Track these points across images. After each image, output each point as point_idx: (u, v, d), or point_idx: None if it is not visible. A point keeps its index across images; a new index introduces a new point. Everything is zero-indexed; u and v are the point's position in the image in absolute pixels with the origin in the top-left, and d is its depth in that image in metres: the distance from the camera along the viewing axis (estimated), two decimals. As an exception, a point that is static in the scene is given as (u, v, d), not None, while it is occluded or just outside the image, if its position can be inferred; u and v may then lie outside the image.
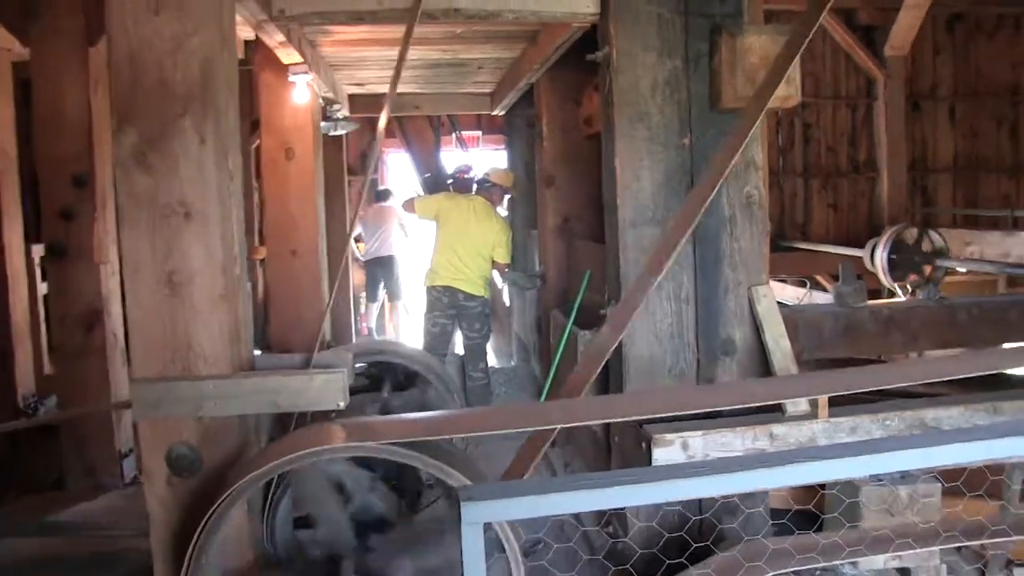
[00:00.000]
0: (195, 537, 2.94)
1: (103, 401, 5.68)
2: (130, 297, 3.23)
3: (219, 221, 3.23)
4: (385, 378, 5.10)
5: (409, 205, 8.15)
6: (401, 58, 3.90)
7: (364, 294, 12.41)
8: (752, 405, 3.56)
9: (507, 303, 10.29)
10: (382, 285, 12.14)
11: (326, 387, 3.25)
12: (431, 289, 7.70)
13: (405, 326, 12.96)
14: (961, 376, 3.52)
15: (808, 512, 3.82)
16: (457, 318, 7.69)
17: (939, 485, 3.79)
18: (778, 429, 3.87)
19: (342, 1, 4.33)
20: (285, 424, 3.93)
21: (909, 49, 11.28)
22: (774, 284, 5.67)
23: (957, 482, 3.20)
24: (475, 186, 8.30)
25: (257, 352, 3.78)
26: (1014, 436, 2.24)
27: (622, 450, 4.35)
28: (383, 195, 12.16)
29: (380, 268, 11.98)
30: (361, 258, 12.08)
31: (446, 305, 7.60)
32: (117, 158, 3.18)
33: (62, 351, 5.79)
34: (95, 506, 5.41)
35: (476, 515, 2.01)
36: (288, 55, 5.64)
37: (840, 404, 3.93)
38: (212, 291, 3.24)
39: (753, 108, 3.96)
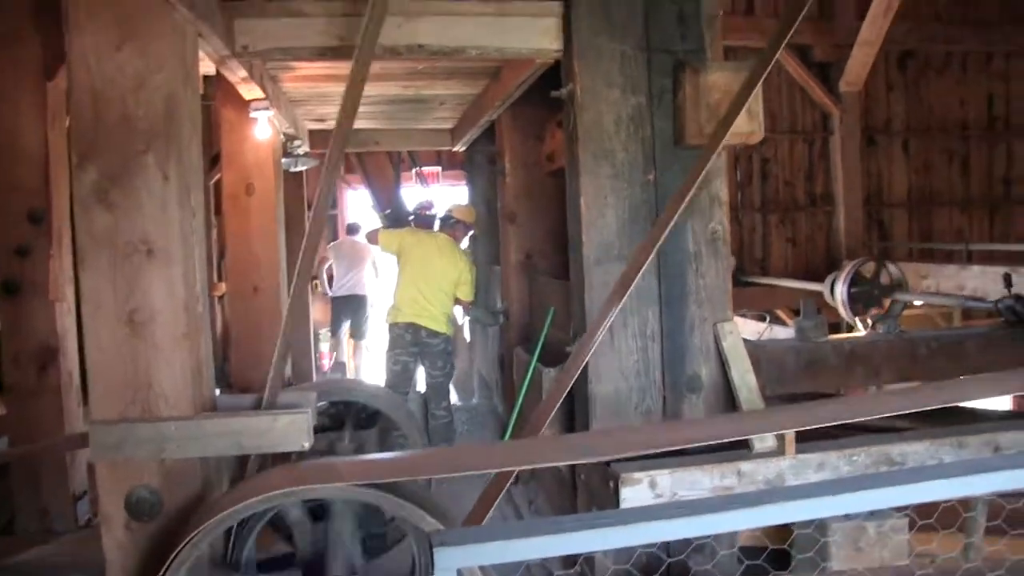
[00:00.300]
0: (157, 583, 2.87)
1: (60, 439, 5.55)
2: (90, 337, 3.18)
3: (182, 259, 3.19)
4: (346, 417, 5.04)
5: (373, 236, 8.09)
6: (356, 90, 3.87)
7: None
8: (720, 442, 3.54)
9: (468, 339, 10.24)
10: (349, 322, 12.07)
11: (290, 428, 3.21)
12: (393, 326, 7.61)
13: (367, 364, 12.87)
14: (934, 407, 3.53)
15: (777, 549, 3.80)
16: (420, 356, 7.62)
17: (907, 520, 3.79)
18: (745, 466, 3.85)
19: (305, 37, 4.31)
20: (245, 465, 3.87)
21: (863, 85, 11.44)
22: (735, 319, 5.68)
23: (931, 519, 3.20)
24: (438, 222, 8.27)
25: (216, 391, 3.73)
26: (986, 473, 2.24)
27: (588, 488, 4.31)
28: (354, 229, 12.11)
29: (348, 306, 11.91)
30: (329, 292, 12.01)
31: (409, 342, 7.53)
32: (77, 195, 3.13)
33: (15, 391, 5.65)
34: (48, 551, 5.28)
35: (449, 560, 1.97)
36: (250, 91, 5.60)
37: (807, 440, 3.93)
38: (174, 330, 3.20)
39: (713, 143, 3.97)
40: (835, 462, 3.92)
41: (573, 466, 4.62)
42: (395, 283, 7.75)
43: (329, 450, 4.73)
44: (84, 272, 3.15)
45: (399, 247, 7.72)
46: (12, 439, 5.74)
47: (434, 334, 7.53)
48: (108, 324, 3.15)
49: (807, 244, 12.03)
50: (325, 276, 12.18)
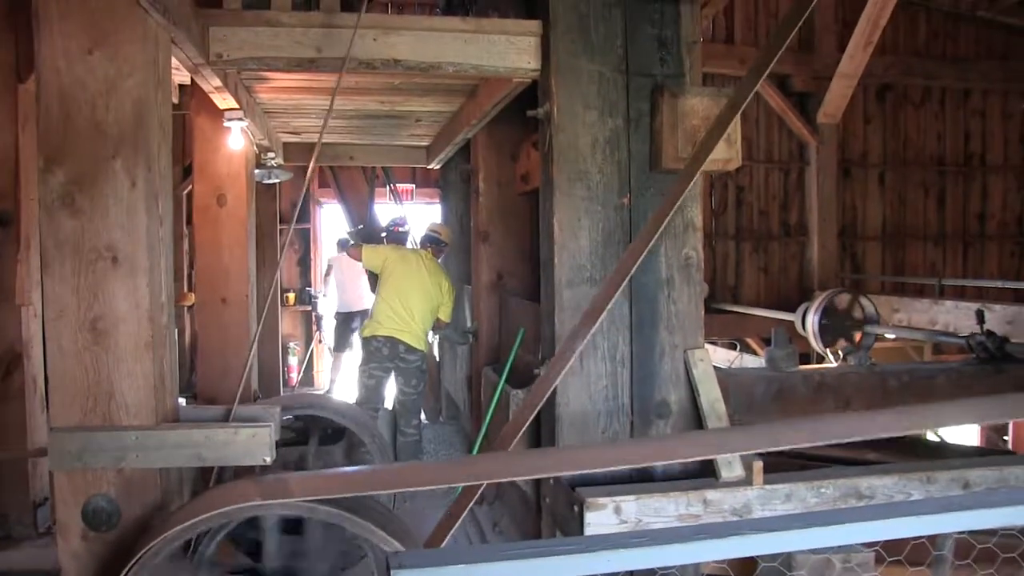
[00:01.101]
0: (110, 595, 2.84)
1: (20, 448, 5.50)
2: (51, 343, 3.14)
3: (147, 268, 3.16)
4: (312, 432, 5.02)
5: (356, 252, 8.04)
6: (331, 103, 3.87)
7: (293, 343, 12.32)
8: (687, 468, 3.54)
9: (436, 358, 10.22)
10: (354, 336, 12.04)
11: (252, 441, 3.18)
12: (371, 339, 7.53)
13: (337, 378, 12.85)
14: (893, 434, 3.53)
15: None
16: (394, 372, 7.57)
17: (874, 554, 3.78)
18: (712, 495, 3.84)
19: (280, 47, 4.30)
20: (207, 477, 3.83)
21: (841, 117, 11.53)
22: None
23: (900, 555, 3.19)
24: (416, 240, 8.26)
25: (183, 401, 3.70)
26: (958, 511, 2.24)
27: (553, 512, 4.29)
28: (344, 244, 12.12)
29: (353, 321, 11.86)
30: (336, 308, 11.99)
31: (385, 357, 7.46)
32: (43, 199, 3.11)
33: (-21, 395, 5.62)
34: (7, 557, 5.23)
35: (407, 581, 1.95)
36: (224, 100, 5.58)
37: (775, 471, 3.92)
38: (137, 339, 3.17)
39: (691, 168, 3.97)
40: (803, 493, 3.91)
41: (538, 489, 4.60)
42: (376, 297, 7.69)
43: (296, 464, 4.71)
44: (48, 277, 3.13)
45: (384, 262, 7.68)
46: (-26, 444, 5.70)
47: (412, 350, 7.48)
48: (70, 331, 3.12)
49: (780, 274, 12.09)
50: (327, 291, 12.13)
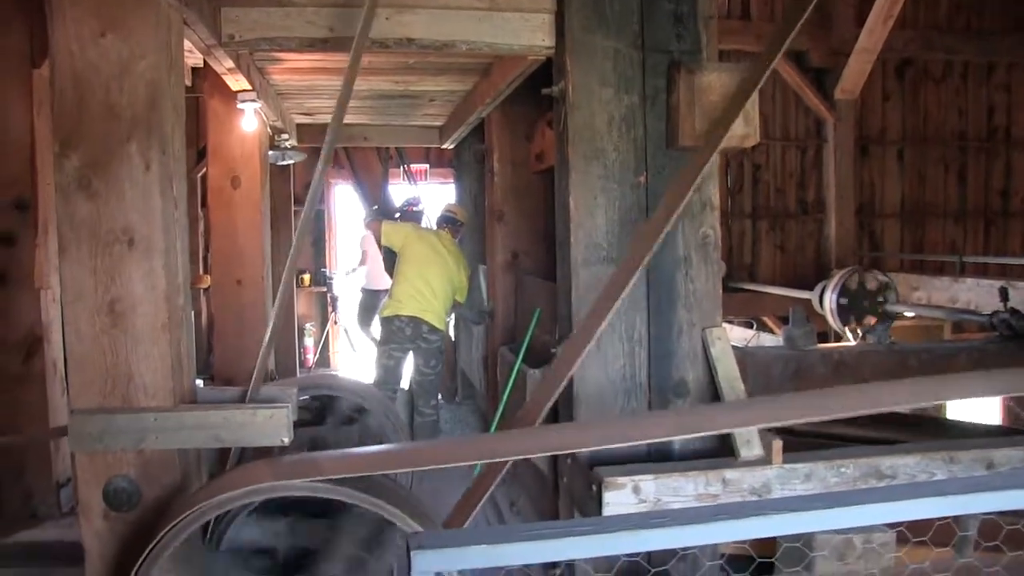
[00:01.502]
0: (133, 574, 2.86)
1: (41, 430, 5.56)
2: (69, 326, 3.17)
3: (163, 249, 3.18)
4: (329, 412, 5.04)
5: (376, 227, 8.05)
6: (347, 84, 3.87)
7: (309, 324, 12.37)
8: (705, 447, 3.53)
9: (452, 338, 10.25)
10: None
11: (270, 422, 3.20)
12: (393, 319, 7.53)
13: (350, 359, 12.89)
14: (908, 406, 3.49)
15: (750, 556, 3.79)
16: (413, 352, 7.57)
17: (895, 535, 3.77)
18: (731, 474, 3.83)
19: (293, 27, 4.29)
20: (227, 459, 3.86)
21: (859, 93, 11.44)
22: (724, 325, 5.68)
23: (925, 536, 3.19)
24: (434, 220, 8.26)
25: (200, 382, 3.71)
26: (985, 491, 2.23)
27: (571, 491, 4.30)
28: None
29: (377, 299, 11.91)
30: (363, 285, 12.03)
31: (407, 337, 7.45)
32: (59, 183, 3.12)
33: (0, 378, 5.66)
34: (31, 535, 5.29)
35: (427, 564, 1.96)
36: (237, 82, 5.59)
37: (794, 450, 3.91)
38: (154, 321, 3.19)
39: (709, 146, 3.96)
40: (823, 473, 3.89)
41: (555, 468, 4.61)
42: (396, 276, 7.68)
43: (313, 445, 4.73)
44: (65, 261, 3.15)
45: (404, 241, 7.68)
46: (-4, 427, 5.75)
47: (434, 330, 7.49)
48: (88, 314, 3.14)
49: (797, 252, 12.04)
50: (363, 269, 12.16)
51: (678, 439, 4.06)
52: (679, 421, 3.49)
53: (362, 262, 12.01)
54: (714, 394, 4.18)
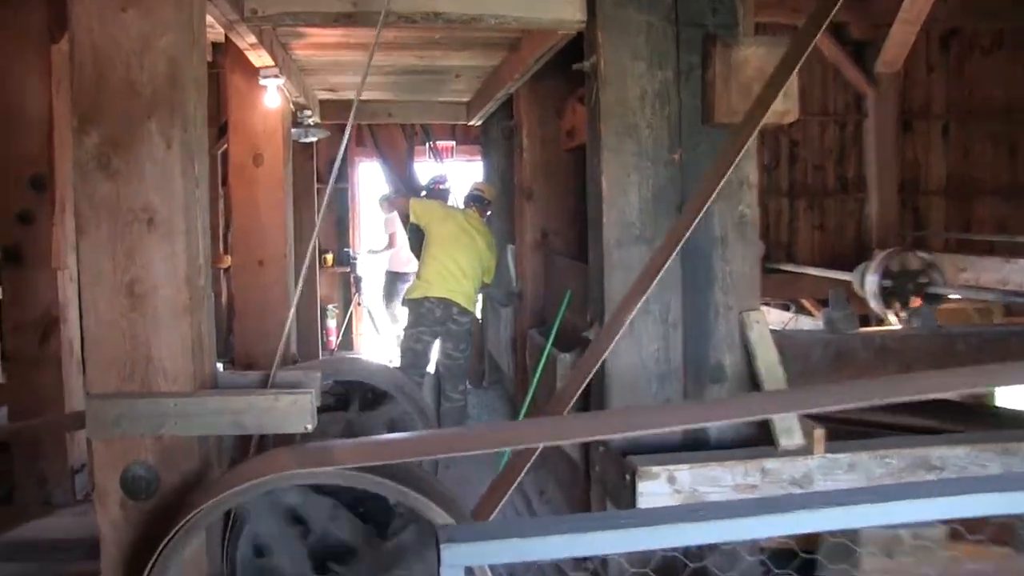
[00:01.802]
0: (150, 565, 2.87)
1: (57, 413, 5.58)
2: (87, 308, 3.16)
3: (184, 229, 3.17)
4: (353, 398, 5.04)
5: (403, 202, 8.04)
6: (370, 57, 3.85)
7: (332, 305, 12.43)
8: (743, 436, 3.50)
9: (479, 320, 10.24)
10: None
11: (293, 408, 3.19)
12: (422, 301, 7.48)
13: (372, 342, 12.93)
14: (957, 391, 3.43)
15: (792, 551, 3.76)
16: (442, 335, 7.56)
17: (947, 530, 3.70)
18: (770, 464, 3.81)
19: (316, 2, 4.28)
20: (247, 446, 3.86)
21: (901, 66, 11.25)
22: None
23: (980, 535, 3.13)
24: (462, 199, 8.23)
25: (220, 366, 3.71)
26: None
27: (603, 480, 4.29)
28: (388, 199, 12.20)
29: (400, 281, 11.94)
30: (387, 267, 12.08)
31: (437, 319, 7.41)
32: (77, 161, 3.12)
33: (16, 359, 5.69)
34: (46, 524, 5.32)
35: (458, 558, 1.95)
36: (259, 57, 5.59)
37: (838, 439, 3.87)
38: (175, 303, 3.18)
39: (748, 123, 3.92)
40: (867, 463, 3.84)
41: (587, 456, 4.60)
42: (424, 257, 7.66)
43: (337, 432, 4.73)
44: (83, 241, 3.14)
45: (432, 218, 7.66)
46: (12, 408, 5.79)
47: (464, 312, 7.45)
48: (106, 295, 3.14)
49: (836, 231, 11.89)
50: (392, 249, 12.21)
51: (715, 426, 4.04)
52: (716, 407, 3.47)
53: (390, 245, 12.02)
54: (751, 379, 4.17)
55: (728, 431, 4.03)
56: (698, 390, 4.20)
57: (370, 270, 12.69)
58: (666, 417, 3.32)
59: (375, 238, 12.79)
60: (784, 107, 4.00)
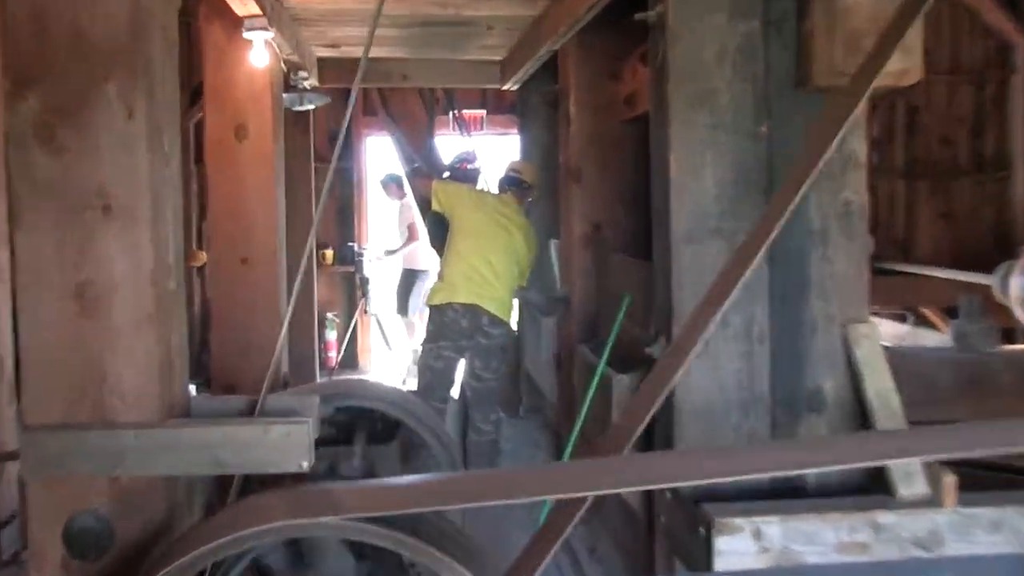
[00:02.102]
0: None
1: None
2: (25, 316, 3.16)
3: (150, 219, 3.16)
4: (359, 429, 5.03)
5: (425, 183, 8.05)
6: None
7: (332, 314, 12.49)
8: (850, 481, 3.45)
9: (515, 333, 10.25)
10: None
11: (286, 442, 3.17)
12: (445, 308, 7.47)
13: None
14: None
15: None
16: (470, 351, 7.52)
17: None
18: (885, 518, 3.73)
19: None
20: (227, 489, 3.85)
21: (1064, 4, 11.09)
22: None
23: None
24: (506, 184, 8.19)
25: (193, 389, 3.71)
26: None
27: (670, 534, 4.26)
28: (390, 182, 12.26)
29: (416, 281, 12.00)
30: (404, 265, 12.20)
31: (463, 331, 7.38)
32: (12, 134, 3.11)
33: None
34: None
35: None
36: (243, 5, 5.60)
37: (975, 488, 3.80)
38: (138, 310, 3.17)
39: (857, 86, 3.86)
40: (1016, 522, 3.77)
41: (649, 504, 4.58)
42: (447, 253, 7.65)
43: (336, 472, 4.73)
44: (21, 233, 3.13)
45: (457, 204, 7.64)
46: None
47: (497, 323, 7.41)
48: (50, 299, 3.13)
49: (969, 221, 11.70)
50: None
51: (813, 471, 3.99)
52: (816, 449, 3.42)
53: (410, 239, 12.07)
54: (859, 409, 4.11)
55: (831, 474, 3.99)
56: (790, 423, 4.15)
57: (380, 269, 12.73)
58: (752, 461, 3.28)
59: (389, 234, 12.84)
60: (903, 64, 3.94)
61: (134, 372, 3.17)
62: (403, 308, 12.23)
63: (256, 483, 3.85)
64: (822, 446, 3.50)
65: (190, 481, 3.44)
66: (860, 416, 4.11)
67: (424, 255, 11.79)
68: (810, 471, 3.64)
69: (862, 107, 3.92)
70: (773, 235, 3.80)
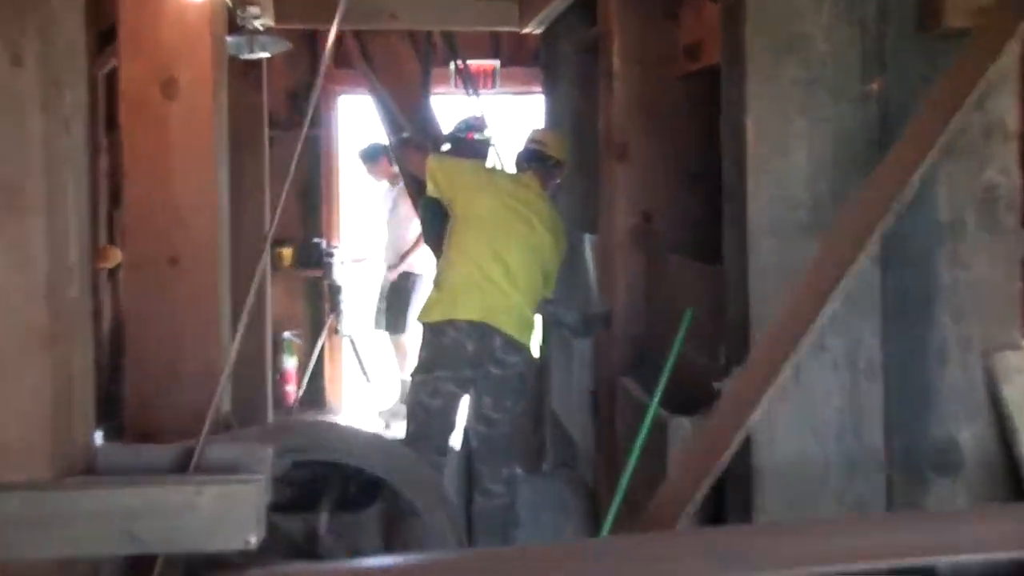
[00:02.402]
0: None
1: None
2: None
3: (43, 205, 3.13)
4: (327, 488, 5.02)
5: (417, 158, 8.01)
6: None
7: (289, 333, 12.51)
8: (1000, 572, 3.41)
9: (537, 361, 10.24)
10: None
11: (226, 508, 3.13)
12: (444, 327, 7.29)
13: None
14: None
15: None
16: (477, 384, 7.44)
17: None
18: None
19: None
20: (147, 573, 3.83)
21: None
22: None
23: None
24: (525, 160, 8.10)
25: (98, 436, 3.67)
26: None
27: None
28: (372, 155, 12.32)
29: (410, 286, 12.07)
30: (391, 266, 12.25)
31: (468, 358, 7.22)
32: None
33: None
34: None
35: None
36: (171, -83, 5.59)
37: None
38: (24, 327, 3.14)
39: (999, 29, 3.84)
40: None
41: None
42: (446, 251, 7.59)
43: (297, 546, 4.73)
44: None
45: (459, 187, 7.57)
46: None
47: (513, 346, 7.26)
48: (-93, 314, 3.12)
49: None
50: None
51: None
52: (949, 528, 3.39)
53: (417, 241, 12.10)
54: (1009, 466, 4.07)
55: (974, 565, 3.94)
56: (913, 484, 4.13)
57: (356, 274, 12.73)
58: (859, 545, 3.24)
59: (375, 232, 12.88)
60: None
61: (20, 413, 3.13)
62: (394, 323, 12.19)
63: (186, 566, 3.83)
64: (959, 524, 3.47)
65: (94, 568, 3.41)
66: (1011, 476, 4.07)
67: (422, 255, 11.83)
68: (942, 560, 3.58)
69: (1012, 55, 3.89)
70: (884, 228, 3.77)
